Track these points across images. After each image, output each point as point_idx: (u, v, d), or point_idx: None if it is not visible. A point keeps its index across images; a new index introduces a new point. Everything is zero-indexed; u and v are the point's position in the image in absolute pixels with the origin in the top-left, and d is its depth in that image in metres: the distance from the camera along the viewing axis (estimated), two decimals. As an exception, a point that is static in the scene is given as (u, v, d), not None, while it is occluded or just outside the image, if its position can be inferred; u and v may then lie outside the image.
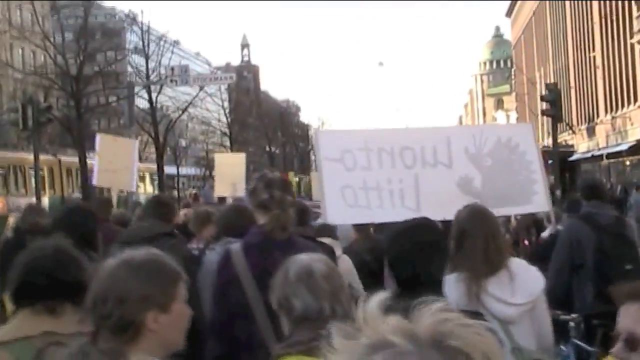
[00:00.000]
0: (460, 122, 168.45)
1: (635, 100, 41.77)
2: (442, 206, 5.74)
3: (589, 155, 45.29)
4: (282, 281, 2.72)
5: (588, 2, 51.15)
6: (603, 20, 46.90)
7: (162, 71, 33.95)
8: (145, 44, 29.64)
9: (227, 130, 58.19)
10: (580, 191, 7.26)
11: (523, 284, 3.73)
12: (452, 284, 3.62)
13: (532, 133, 7.05)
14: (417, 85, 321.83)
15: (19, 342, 2.75)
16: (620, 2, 43.49)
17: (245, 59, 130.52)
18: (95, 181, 11.72)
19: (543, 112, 23.73)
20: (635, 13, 39.81)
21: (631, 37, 41.26)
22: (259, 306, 3.58)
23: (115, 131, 43.37)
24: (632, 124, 42.53)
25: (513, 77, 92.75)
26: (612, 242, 6.16)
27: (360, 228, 6.72)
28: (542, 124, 69.07)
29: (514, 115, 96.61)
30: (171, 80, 26.42)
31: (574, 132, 56.37)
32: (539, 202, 6.61)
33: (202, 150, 62.68)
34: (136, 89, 26.29)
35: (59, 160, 28.43)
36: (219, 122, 57.26)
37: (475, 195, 6.14)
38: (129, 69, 27.49)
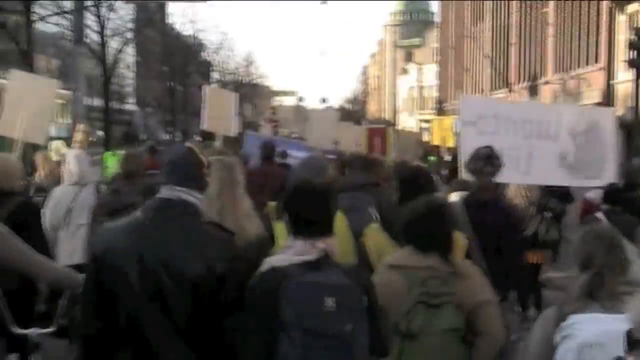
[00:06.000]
0: (365, 72, 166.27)
1: (597, 61, 39.97)
2: (546, 174, 7.67)
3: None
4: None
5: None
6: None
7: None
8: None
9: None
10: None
11: None
12: None
13: (612, 116, 8.54)
14: (343, 29, 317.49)
15: (409, 270, 3.79)
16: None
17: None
18: (204, 126, 12.63)
19: (631, 62, 20.86)
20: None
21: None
22: (476, 249, 4.99)
23: (59, 54, 38.12)
24: (589, 86, 40.83)
25: (438, 29, 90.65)
26: None
27: None
28: (476, 82, 67.66)
29: (432, 68, 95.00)
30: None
31: (510, 91, 54.85)
32: (609, 176, 7.71)
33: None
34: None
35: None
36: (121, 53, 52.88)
37: (568, 169, 7.71)
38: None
